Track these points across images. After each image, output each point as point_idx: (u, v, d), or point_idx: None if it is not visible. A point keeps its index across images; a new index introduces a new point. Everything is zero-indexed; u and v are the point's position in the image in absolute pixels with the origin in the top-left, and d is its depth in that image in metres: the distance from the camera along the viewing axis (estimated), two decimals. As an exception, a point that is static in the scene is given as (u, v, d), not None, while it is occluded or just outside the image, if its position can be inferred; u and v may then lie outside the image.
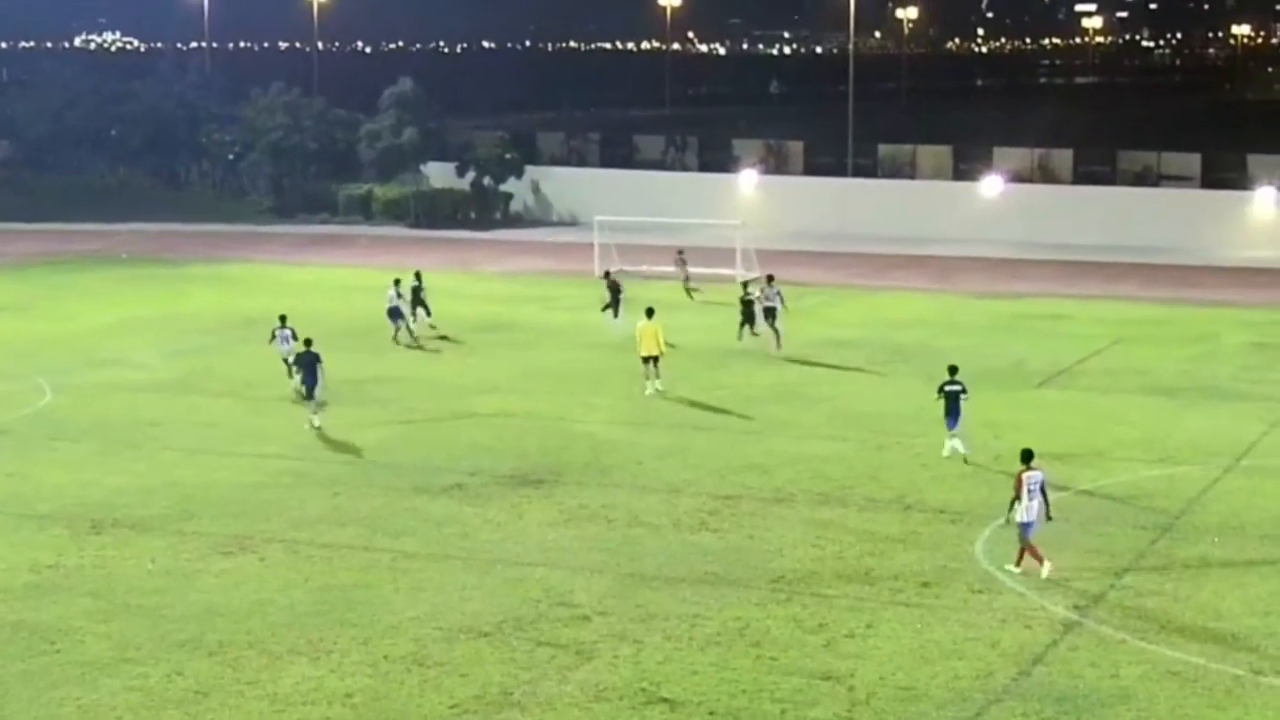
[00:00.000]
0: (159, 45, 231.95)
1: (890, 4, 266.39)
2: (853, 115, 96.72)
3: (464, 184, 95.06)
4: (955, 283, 70.76)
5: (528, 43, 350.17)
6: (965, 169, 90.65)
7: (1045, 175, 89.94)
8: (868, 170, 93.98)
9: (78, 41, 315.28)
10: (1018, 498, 30.52)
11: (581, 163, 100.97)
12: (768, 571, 30.75)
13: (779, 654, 26.64)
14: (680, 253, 68.05)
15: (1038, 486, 30.54)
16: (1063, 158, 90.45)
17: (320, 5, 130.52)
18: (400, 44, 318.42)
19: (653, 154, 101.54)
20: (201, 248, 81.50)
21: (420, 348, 54.56)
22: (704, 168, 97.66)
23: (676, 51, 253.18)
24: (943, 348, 54.14)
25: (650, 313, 47.80)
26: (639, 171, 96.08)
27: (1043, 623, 28.04)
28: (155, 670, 26.00)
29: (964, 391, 39.76)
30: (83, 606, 28.87)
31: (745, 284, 56.91)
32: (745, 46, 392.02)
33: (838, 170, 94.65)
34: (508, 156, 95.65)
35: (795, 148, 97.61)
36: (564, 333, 57.11)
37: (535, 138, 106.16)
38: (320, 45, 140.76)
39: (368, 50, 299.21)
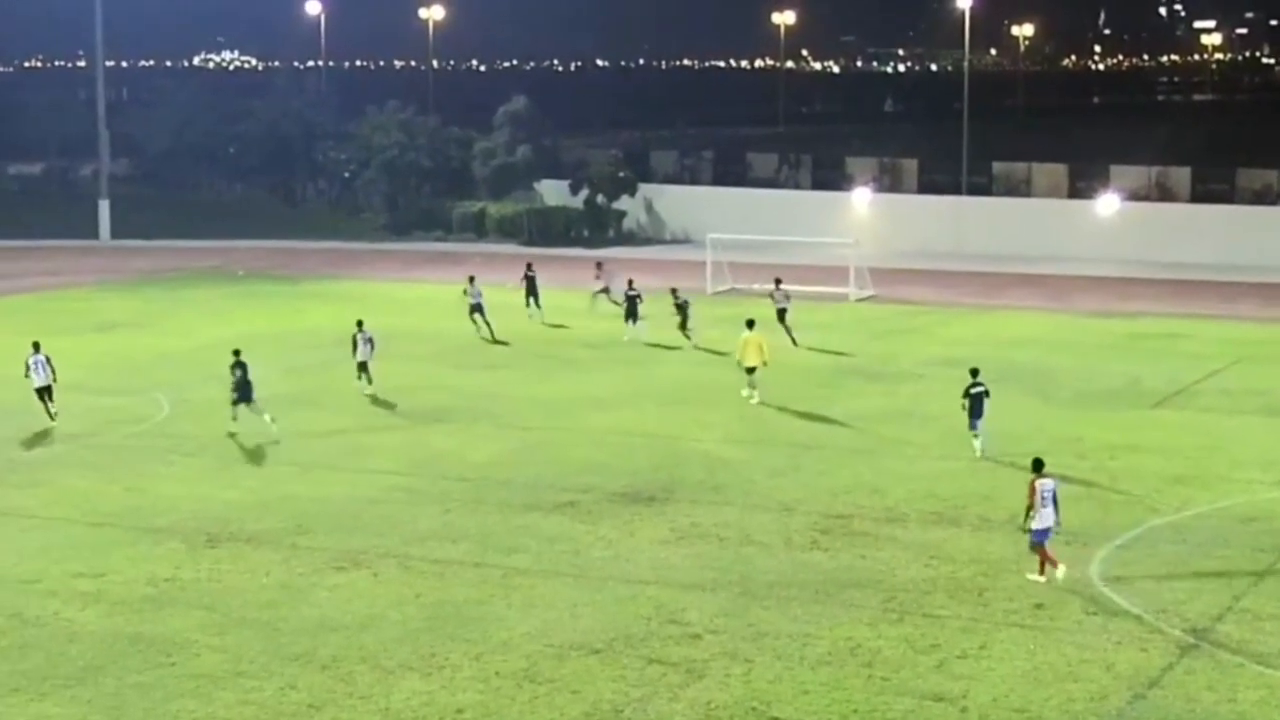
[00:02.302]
0: (276, 64, 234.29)
1: (1006, 21, 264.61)
2: (968, 133, 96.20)
3: (577, 202, 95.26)
4: (1070, 301, 70.15)
5: (641, 61, 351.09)
6: (1081, 187, 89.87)
7: (1163, 193, 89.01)
8: (982, 188, 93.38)
9: (196, 60, 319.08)
10: (1031, 506, 30.71)
11: (694, 181, 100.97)
12: (880, 591, 30.57)
13: (891, 674, 26.47)
14: (599, 265, 68.68)
15: (1050, 495, 30.77)
16: (1180, 176, 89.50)
17: (435, 24, 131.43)
18: (514, 62, 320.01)
19: (766, 172, 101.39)
20: (317, 264, 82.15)
21: (504, 343, 55.50)
22: (817, 186, 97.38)
23: (790, 69, 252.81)
24: (1057, 367, 53.73)
25: (751, 324, 48.69)
26: (752, 190, 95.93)
27: (1159, 645, 27.70)
28: (269, 684, 26.18)
29: (987, 393, 40.92)
30: (198, 620, 29.13)
31: (674, 290, 59.02)
32: (859, 64, 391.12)
33: (952, 188, 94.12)
34: (621, 174, 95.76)
35: (909, 165, 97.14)
36: (676, 350, 57.05)
37: (648, 156, 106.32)
38: (435, 63, 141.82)
39: (482, 68, 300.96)
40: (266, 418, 43.58)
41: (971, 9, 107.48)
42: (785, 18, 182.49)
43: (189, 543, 33.83)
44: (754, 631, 28.38)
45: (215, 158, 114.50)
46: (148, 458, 41.58)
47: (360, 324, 50.39)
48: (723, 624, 28.76)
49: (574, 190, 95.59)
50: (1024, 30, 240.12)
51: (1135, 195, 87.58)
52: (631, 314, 59.43)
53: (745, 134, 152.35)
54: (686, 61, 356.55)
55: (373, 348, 50.01)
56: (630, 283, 60.74)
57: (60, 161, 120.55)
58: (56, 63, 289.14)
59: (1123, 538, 34.00)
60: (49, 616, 29.32)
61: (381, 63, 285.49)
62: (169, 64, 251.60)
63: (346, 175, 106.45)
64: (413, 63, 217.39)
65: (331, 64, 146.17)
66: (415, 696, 25.66)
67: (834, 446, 42.54)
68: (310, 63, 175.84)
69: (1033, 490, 30.76)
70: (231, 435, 43.76)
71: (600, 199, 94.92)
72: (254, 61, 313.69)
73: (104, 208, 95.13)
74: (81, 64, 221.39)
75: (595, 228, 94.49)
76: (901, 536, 34.30)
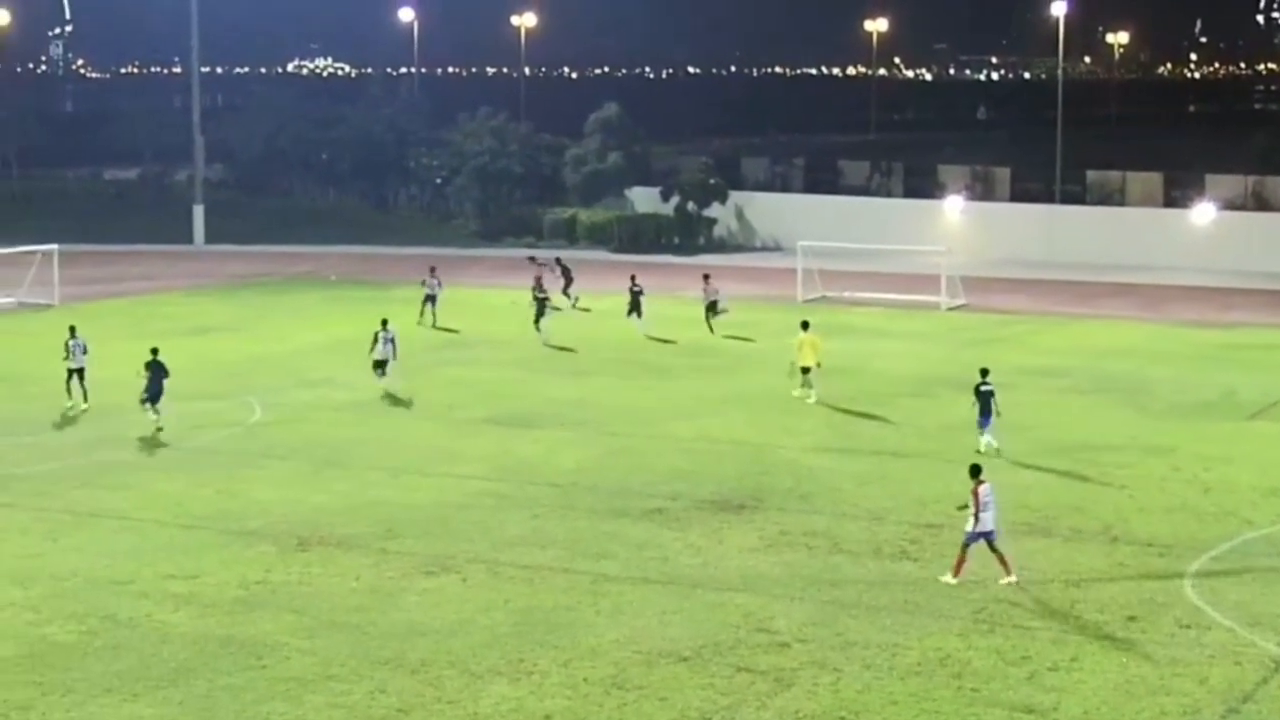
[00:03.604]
0: (369, 70, 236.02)
1: (1100, 28, 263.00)
2: (1061, 141, 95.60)
3: (668, 209, 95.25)
4: (1165, 311, 69.54)
5: (733, 68, 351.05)
6: (1176, 196, 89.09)
7: (1259, 203, 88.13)
8: (1076, 197, 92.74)
9: (290, 67, 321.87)
10: (974, 511, 31.19)
11: (785, 188, 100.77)
12: (969, 602, 30.39)
13: (980, 685, 26.30)
14: (558, 260, 71.76)
15: (991, 499, 31.33)
16: (1277, 185, 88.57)
17: (527, 31, 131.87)
18: (606, 69, 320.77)
19: (857, 180, 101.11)
20: (408, 270, 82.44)
21: (559, 349, 56.00)
22: (909, 194, 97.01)
23: (882, 77, 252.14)
24: (1151, 377, 53.27)
25: (805, 325, 49.77)
26: (843, 197, 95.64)
27: (1253, 660, 27.40)
28: (358, 687, 26.29)
29: (993, 393, 42.25)
30: (288, 623, 29.29)
31: (633, 276, 63.43)
32: (951, 71, 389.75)
33: (1045, 197, 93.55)
34: (712, 181, 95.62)
35: (1002, 174, 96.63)
36: (765, 358, 56.85)
37: (739, 163, 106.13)
38: (527, 70, 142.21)
39: (574, 75, 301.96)
40: (154, 417, 44.94)
41: (1066, 16, 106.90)
42: (878, 25, 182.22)
43: (280, 546, 34.03)
44: (842, 641, 28.28)
45: (308, 164, 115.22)
46: (239, 461, 41.87)
47: (385, 323, 51.12)
48: (811, 633, 28.67)
49: (664, 197, 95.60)
50: (1119, 38, 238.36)
51: (1231, 204, 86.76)
52: (635, 308, 62.26)
53: (837, 141, 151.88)
54: (778, 69, 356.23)
55: (394, 348, 50.62)
56: (634, 278, 63.06)
57: (156, 167, 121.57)
58: (153, 69, 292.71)
59: (1216, 550, 33.68)
60: (141, 618, 29.56)
61: (473, 69, 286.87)
62: (263, 70, 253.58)
63: (438, 181, 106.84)
64: (505, 69, 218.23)
65: (424, 71, 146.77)
66: (503, 702, 25.70)
67: (923, 455, 42.32)
68: (403, 69, 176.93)
69: (976, 496, 31.27)
70: (160, 430, 44.75)
71: (691, 206, 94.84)
72: (347, 68, 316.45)
73: (198, 213, 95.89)
74: (177, 70, 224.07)
75: (685, 235, 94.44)
76: (992, 547, 34.06)
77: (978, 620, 29.38)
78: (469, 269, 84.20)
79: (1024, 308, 70.02)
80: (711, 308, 62.53)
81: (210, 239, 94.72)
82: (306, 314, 67.79)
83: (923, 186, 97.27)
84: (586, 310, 68.28)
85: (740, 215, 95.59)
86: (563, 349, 58.85)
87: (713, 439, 44.31)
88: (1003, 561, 31.45)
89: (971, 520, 31.27)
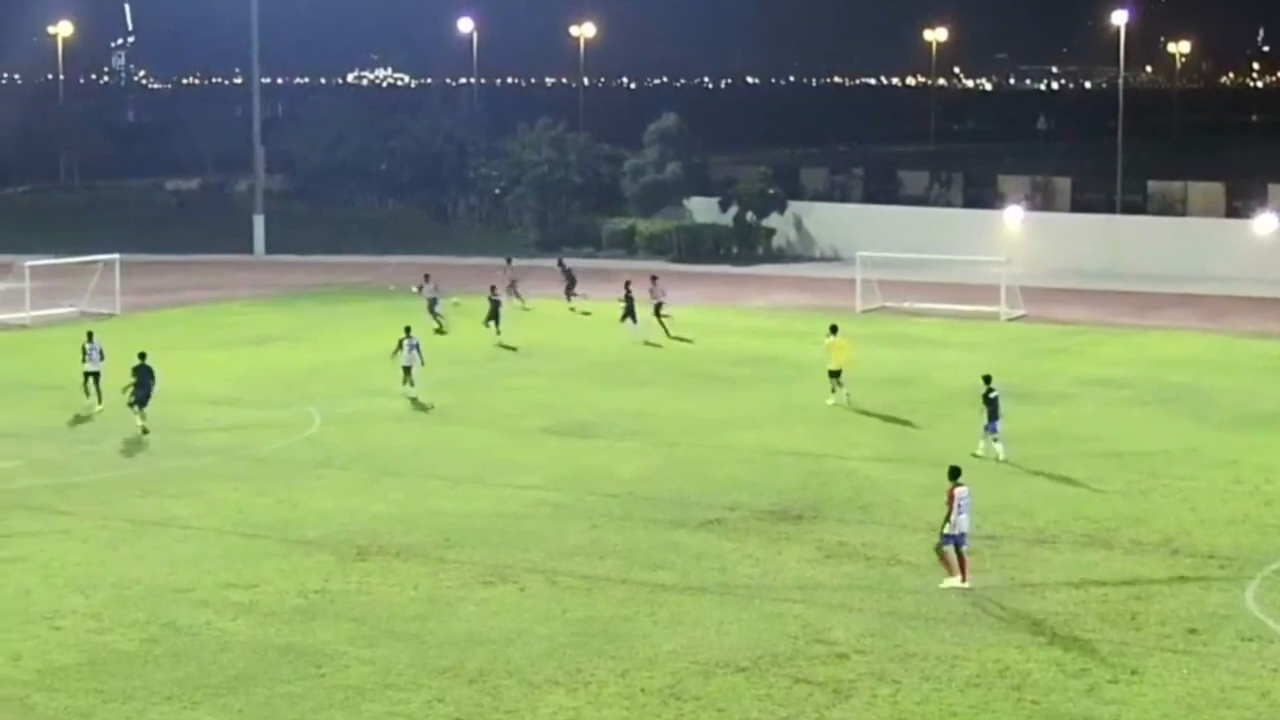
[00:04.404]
0: (428, 81, 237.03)
1: (1162, 38, 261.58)
2: (1122, 151, 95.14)
3: (726, 219, 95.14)
4: (1227, 322, 69.08)
5: (791, 78, 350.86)
6: (1238, 206, 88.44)
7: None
8: (1137, 207, 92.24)
9: (350, 78, 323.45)
10: (949, 513, 31.49)
11: (844, 198, 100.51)
12: (1029, 614, 30.26)
13: (1040, 698, 26.18)
14: (561, 263, 75.84)
15: (966, 502, 31.56)
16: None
17: (586, 41, 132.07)
18: (664, 79, 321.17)
19: (916, 190, 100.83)
20: (467, 280, 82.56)
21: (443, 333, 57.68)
22: (969, 204, 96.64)
23: (942, 86, 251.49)
24: (1213, 388, 52.96)
25: (834, 329, 50.86)
26: (902, 207, 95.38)
27: (1316, 673, 27.20)
28: (416, 696, 26.35)
29: (999, 399, 42.93)
30: (347, 631, 29.38)
31: (627, 283, 64.13)
32: (1011, 81, 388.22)
33: (1106, 207, 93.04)
34: (770, 191, 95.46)
35: (1062, 184, 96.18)
36: (825, 368, 56.75)
37: (798, 173, 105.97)
38: (586, 80, 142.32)
39: (632, 85, 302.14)
40: (140, 422, 45.80)
41: (1127, 26, 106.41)
42: (937, 35, 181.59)
43: (339, 555, 34.15)
44: (901, 652, 28.19)
45: (368, 174, 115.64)
46: (299, 470, 42.04)
47: (408, 330, 52.14)
48: (870, 644, 28.59)
49: (723, 207, 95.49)
50: (1180, 47, 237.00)
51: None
52: (629, 314, 63.10)
53: (896, 151, 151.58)
54: (837, 79, 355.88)
55: (419, 354, 51.37)
56: (628, 284, 63.84)
57: (216, 177, 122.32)
58: (214, 80, 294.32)
59: (1279, 563, 33.44)
60: (201, 626, 29.71)
61: (532, 80, 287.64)
62: (323, 81, 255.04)
63: (497, 192, 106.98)
64: (563, 80, 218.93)
65: (483, 81, 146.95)
66: (561, 712, 25.71)
67: (983, 467, 42.11)
68: (462, 80, 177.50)
69: (951, 498, 31.49)
70: (145, 432, 45.59)
71: (749, 216, 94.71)
72: (407, 79, 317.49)
73: (259, 223, 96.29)
74: (238, 81, 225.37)
75: (744, 245, 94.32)
76: (1052, 558, 33.95)
77: (1037, 632, 29.25)
78: (528, 279, 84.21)
79: (1084, 318, 69.70)
80: (658, 309, 63.52)
81: (270, 249, 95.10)
82: (366, 323, 67.90)
83: (982, 197, 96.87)
84: (587, 314, 69.51)
85: (799, 225, 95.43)
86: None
87: (772, 449, 44.25)
88: (962, 566, 31.80)
89: (946, 523, 31.69)
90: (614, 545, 34.96)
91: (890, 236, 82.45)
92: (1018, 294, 69.20)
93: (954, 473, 32.05)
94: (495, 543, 35.14)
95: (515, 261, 74.49)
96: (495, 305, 63.51)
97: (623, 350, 60.21)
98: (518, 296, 70.83)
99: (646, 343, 61.73)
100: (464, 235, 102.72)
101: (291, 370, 56.88)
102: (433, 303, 66.36)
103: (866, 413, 49.09)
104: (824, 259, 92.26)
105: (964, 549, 31.88)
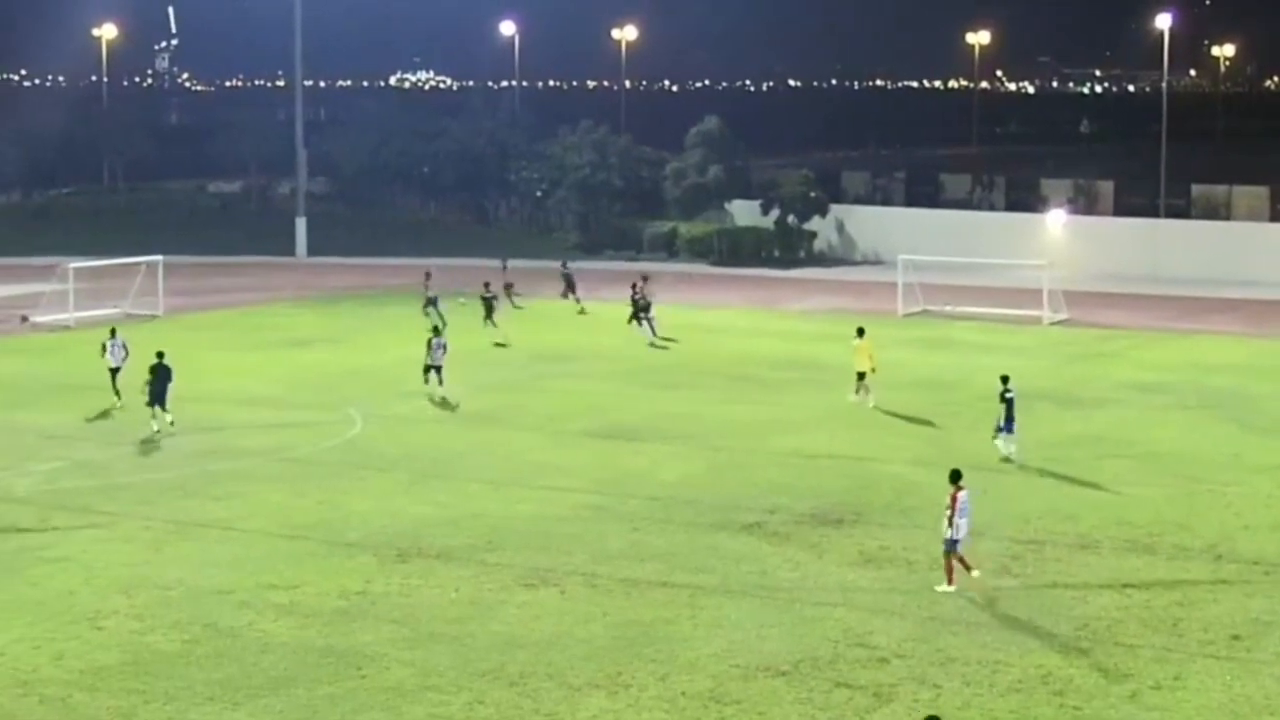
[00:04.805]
0: (470, 84, 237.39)
1: (1206, 41, 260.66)
2: (1166, 155, 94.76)
3: (768, 222, 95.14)
4: (1271, 327, 68.74)
5: (833, 81, 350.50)
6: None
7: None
8: (1180, 211, 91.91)
9: (393, 80, 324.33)
10: (950, 516, 31.50)
11: (886, 201, 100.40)
12: (1071, 619, 30.14)
13: (1082, 704, 26.08)
14: (563, 265, 76.50)
15: (967, 506, 31.53)
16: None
17: (628, 44, 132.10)
18: (706, 82, 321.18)
19: (958, 193, 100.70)
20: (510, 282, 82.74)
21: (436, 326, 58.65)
22: (1011, 207, 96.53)
23: (984, 90, 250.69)
24: (1256, 394, 52.71)
25: (861, 332, 50.89)
26: (944, 211, 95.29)
27: (1361, 681, 27.04)
28: (457, 699, 26.37)
29: (1014, 400, 42.94)
30: (388, 633, 29.43)
31: (634, 284, 64.83)
32: (1054, 85, 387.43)
33: (1149, 211, 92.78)
34: (812, 195, 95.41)
35: (1105, 188, 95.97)
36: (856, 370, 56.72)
37: (840, 176, 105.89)
38: (627, 84, 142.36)
39: (674, 89, 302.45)
40: (168, 419, 46.15)
41: (1171, 29, 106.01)
42: (980, 38, 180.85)
43: (380, 557, 34.20)
44: (942, 657, 28.11)
45: (409, 177, 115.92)
46: (340, 472, 42.12)
47: (436, 330, 54.07)
48: (911, 648, 28.52)
49: (765, 210, 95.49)
50: (1224, 51, 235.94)
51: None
52: (637, 316, 63.55)
53: (938, 154, 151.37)
54: (879, 82, 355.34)
55: (444, 352, 52.21)
56: (634, 286, 64.40)
57: (259, 179, 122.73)
58: (257, 82, 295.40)
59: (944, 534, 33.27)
60: (243, 627, 29.79)
61: (574, 83, 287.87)
62: (366, 84, 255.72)
63: (539, 194, 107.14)
64: (605, 83, 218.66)
65: (525, 84, 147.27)
66: (601, 715, 25.71)
67: (1025, 471, 42.03)
68: (504, 83, 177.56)
69: (954, 501, 31.45)
70: (157, 433, 45.93)
71: (791, 219, 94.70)
72: (449, 81, 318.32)
73: (301, 225, 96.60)
74: (281, 84, 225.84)
75: (786, 248, 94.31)
76: (1094, 563, 33.82)
77: (1079, 637, 29.14)
78: (584, 282, 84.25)
79: (1127, 323, 69.46)
80: (645, 310, 63.71)
81: (312, 251, 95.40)
82: (407, 326, 68.01)
83: (1025, 200, 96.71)
84: (583, 314, 70.84)
85: (841, 228, 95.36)
86: (658, 362, 58.96)
87: (814, 453, 44.19)
88: (963, 566, 31.77)
89: (948, 526, 31.65)
90: (655, 548, 34.95)
91: (932, 240, 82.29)
92: (1060, 298, 68.99)
93: (955, 475, 32.00)
94: (536, 545, 35.16)
95: (510, 263, 75.37)
96: (489, 303, 64.63)
97: (662, 354, 60.19)
98: (510, 299, 71.06)
99: (651, 344, 62.12)
100: (505, 238, 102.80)
101: (333, 372, 57.01)
102: (433, 301, 66.79)
103: (908, 417, 48.99)
104: (865, 262, 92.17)
105: (959, 551, 31.84)
